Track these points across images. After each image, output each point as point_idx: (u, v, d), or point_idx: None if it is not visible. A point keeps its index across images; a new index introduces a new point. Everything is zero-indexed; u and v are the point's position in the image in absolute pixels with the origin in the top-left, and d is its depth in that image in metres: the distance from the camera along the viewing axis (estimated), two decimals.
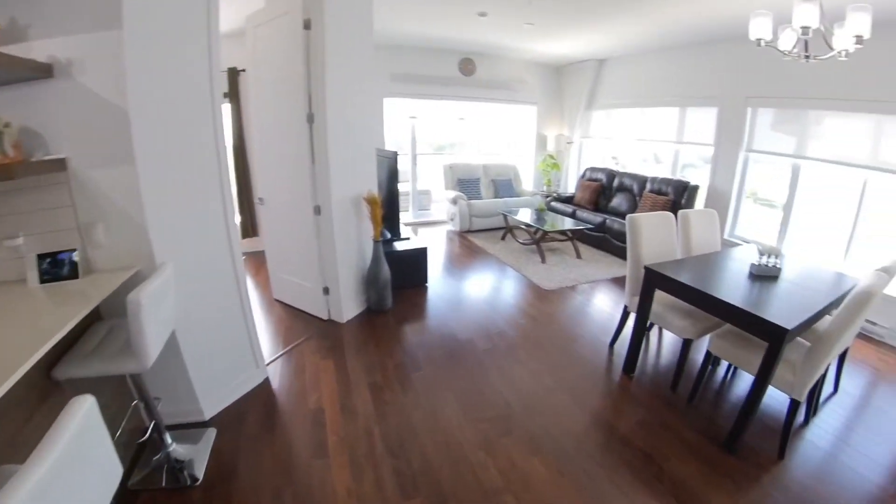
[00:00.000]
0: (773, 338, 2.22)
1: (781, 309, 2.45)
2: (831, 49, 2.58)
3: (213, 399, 2.50)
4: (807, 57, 2.72)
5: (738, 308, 2.39)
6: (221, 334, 2.54)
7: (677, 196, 5.69)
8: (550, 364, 3.16)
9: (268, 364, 2.97)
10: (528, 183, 8.04)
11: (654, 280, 2.87)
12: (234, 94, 4.95)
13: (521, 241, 5.94)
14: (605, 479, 2.16)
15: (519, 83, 7.55)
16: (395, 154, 4.22)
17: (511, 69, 7.45)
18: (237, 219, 4.91)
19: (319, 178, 3.31)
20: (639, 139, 7.01)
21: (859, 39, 2.34)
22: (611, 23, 5.10)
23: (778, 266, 3.00)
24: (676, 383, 2.93)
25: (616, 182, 6.69)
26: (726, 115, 5.48)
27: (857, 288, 2.19)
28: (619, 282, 4.92)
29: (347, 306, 3.65)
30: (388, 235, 4.47)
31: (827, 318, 2.68)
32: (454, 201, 6.57)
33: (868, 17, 2.30)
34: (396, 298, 4.04)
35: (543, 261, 5.31)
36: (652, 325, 3.52)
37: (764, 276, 2.93)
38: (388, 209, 4.34)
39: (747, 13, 3.44)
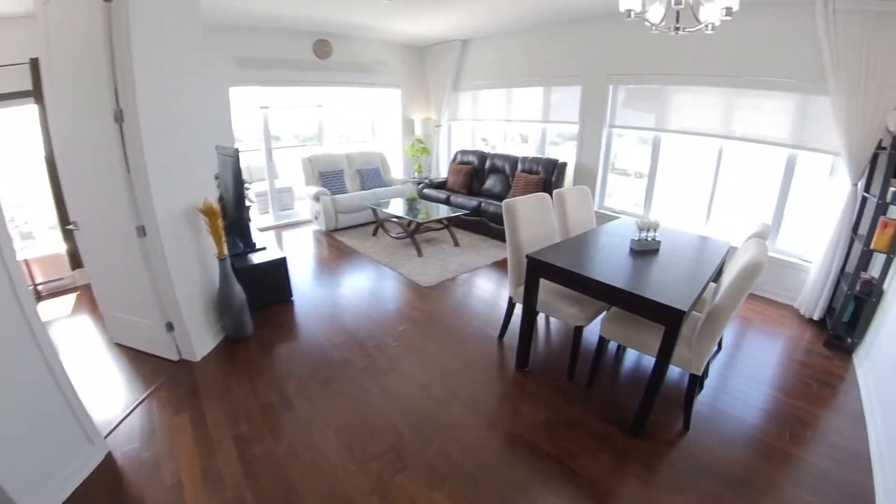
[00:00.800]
0: (670, 321, 2.26)
1: (672, 287, 2.54)
2: (698, 22, 2.67)
3: None
4: (676, 29, 2.75)
5: (632, 294, 2.39)
6: (29, 418, 1.94)
7: (548, 174, 5.89)
8: (439, 372, 3.01)
9: (107, 436, 2.39)
10: (397, 171, 7.82)
11: (537, 269, 2.81)
12: (39, 92, 3.88)
13: (393, 235, 5.74)
14: (520, 498, 2.07)
15: (380, 65, 7.24)
16: (237, 151, 3.69)
17: (371, 51, 7.12)
18: (63, 247, 4.03)
19: (139, 191, 2.71)
20: (507, 119, 7.13)
21: (728, 11, 2.43)
22: (472, 1, 5.02)
23: (658, 239, 3.15)
24: (573, 372, 2.96)
25: (488, 164, 6.75)
26: (589, 93, 5.79)
27: (746, 261, 2.27)
28: (500, 266, 4.99)
29: (200, 341, 3.14)
30: (242, 247, 3.99)
31: (712, 286, 2.88)
32: (316, 198, 6.13)
33: None
34: (258, 321, 3.60)
35: (420, 254, 5.17)
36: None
37: (645, 250, 3.06)
38: (236, 216, 3.86)
39: None
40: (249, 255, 3.93)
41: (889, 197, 3.40)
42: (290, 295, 4.03)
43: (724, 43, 4.49)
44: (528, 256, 2.81)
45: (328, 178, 6.47)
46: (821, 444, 2.54)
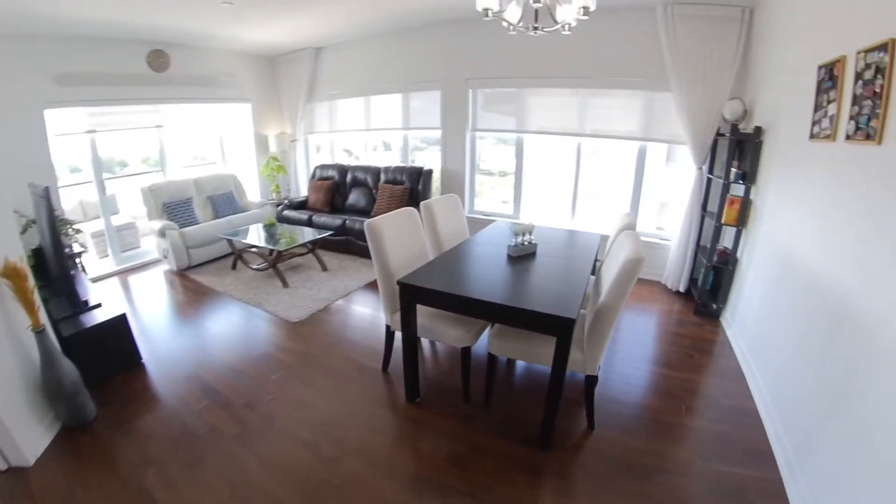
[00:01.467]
0: (560, 331, 2.30)
1: (555, 293, 2.63)
2: (555, 22, 2.82)
3: None
4: (535, 28, 2.87)
5: (516, 308, 2.41)
6: None
7: (413, 183, 5.98)
8: (323, 423, 2.85)
9: None
10: (253, 193, 7.40)
11: (412, 295, 2.71)
12: None
13: (254, 266, 5.42)
14: None
15: (227, 78, 6.78)
16: (47, 190, 3.17)
17: (216, 62, 6.64)
18: None
19: None
20: (367, 129, 7.08)
21: (586, 11, 2.56)
22: (323, 4, 4.88)
23: (534, 242, 3.30)
24: (468, 393, 2.99)
25: (350, 177, 6.67)
26: (449, 97, 6.01)
27: (625, 257, 2.34)
28: (374, 287, 4.93)
29: (28, 440, 2.60)
30: (73, 309, 3.50)
31: (591, 279, 3.08)
32: (162, 233, 5.58)
33: None
34: (102, 398, 3.11)
35: (285, 285, 4.95)
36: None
37: (522, 255, 3.20)
38: (57, 269, 3.39)
39: None
40: (80, 318, 3.39)
41: (732, 177, 4.09)
42: (139, 358, 3.56)
43: (576, 46, 5.00)
44: (399, 283, 2.69)
45: (175, 208, 5.91)
46: (714, 411, 2.95)
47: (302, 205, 6.82)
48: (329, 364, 3.54)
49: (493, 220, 5.65)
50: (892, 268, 1.89)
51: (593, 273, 3.38)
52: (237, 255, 5.51)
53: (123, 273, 5.82)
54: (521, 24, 2.88)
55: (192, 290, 5.14)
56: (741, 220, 4.13)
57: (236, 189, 6.78)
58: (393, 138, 7.18)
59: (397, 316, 3.01)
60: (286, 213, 6.58)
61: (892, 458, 1.67)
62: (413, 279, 2.74)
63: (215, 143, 7.29)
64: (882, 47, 2.12)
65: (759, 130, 3.90)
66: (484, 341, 3.02)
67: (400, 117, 6.66)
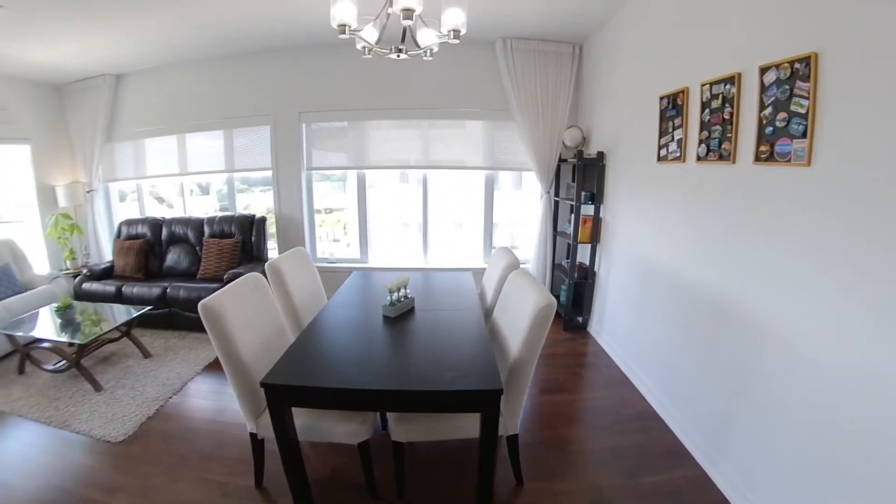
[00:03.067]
0: (488, 406, 2.10)
1: (464, 357, 2.46)
2: (418, 47, 2.72)
3: None
4: (399, 51, 2.73)
5: (426, 392, 2.13)
6: None
7: (245, 234, 5.48)
8: None
9: None
10: (41, 263, 6.16)
11: (283, 398, 2.22)
12: None
13: (50, 366, 4.39)
14: None
15: None
16: None
17: None
18: None
19: None
20: (183, 173, 6.29)
21: (456, 34, 2.46)
22: (125, 13, 4.20)
23: (410, 296, 3.12)
24: (374, 488, 2.68)
25: (165, 233, 5.88)
26: (281, 133, 5.64)
27: (535, 307, 2.28)
28: (217, 369, 4.28)
29: None
30: None
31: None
32: None
33: (462, 12, 2.43)
34: None
35: (98, 388, 4.10)
36: None
37: (401, 314, 2.99)
38: None
39: (302, 14, 4.05)
40: None
41: (582, 199, 4.71)
42: None
43: (419, 77, 5.20)
44: (264, 385, 2.16)
45: None
46: (620, 423, 3.22)
47: (107, 273, 5.80)
48: (181, 495, 2.91)
49: (340, 267, 5.47)
50: (748, 261, 2.47)
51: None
52: (24, 355, 4.46)
53: None
54: (379, 47, 2.73)
55: None
56: (594, 237, 4.78)
57: (14, 260, 5.55)
58: (211, 179, 6.55)
59: (265, 420, 2.54)
60: (86, 286, 5.54)
61: (800, 413, 2.11)
62: (279, 377, 2.22)
63: None
64: (729, 80, 2.62)
65: (601, 155, 4.52)
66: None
67: (222, 157, 6.04)
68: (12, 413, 3.93)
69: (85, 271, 5.72)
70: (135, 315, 4.60)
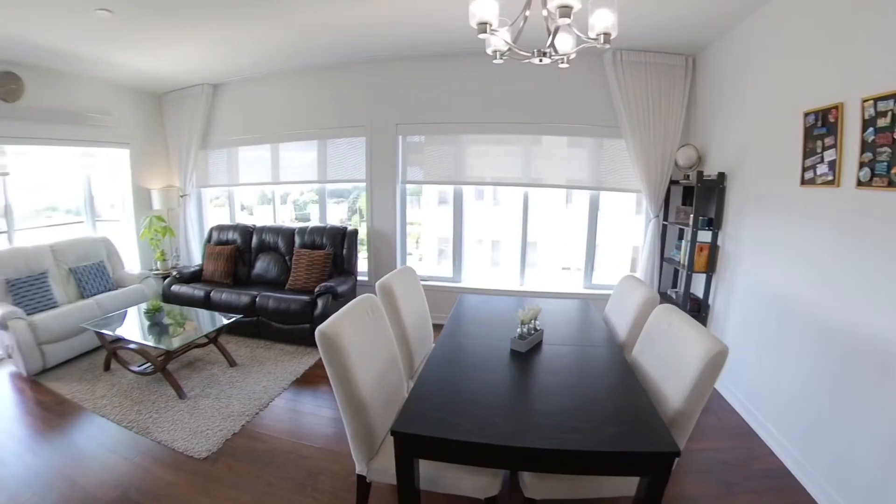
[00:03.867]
0: (657, 470, 1.73)
1: (615, 408, 2.07)
2: (555, 52, 2.40)
3: None
4: (544, 54, 2.41)
5: (585, 452, 1.74)
6: None
7: (336, 247, 5.24)
8: None
9: None
10: (133, 262, 6.18)
11: (414, 448, 1.88)
12: None
13: (136, 367, 4.23)
14: None
15: (100, 115, 5.62)
16: None
17: (85, 93, 5.52)
18: None
19: None
20: (274, 182, 6.20)
21: (606, 39, 2.13)
22: (230, 23, 4.13)
23: (539, 328, 2.72)
24: None
25: (255, 241, 5.73)
26: (376, 145, 5.40)
27: (706, 353, 1.92)
28: (308, 384, 4.11)
29: None
30: None
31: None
32: (3, 322, 4.29)
33: (612, 13, 2.09)
34: None
35: (182, 395, 3.88)
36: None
37: (532, 348, 2.59)
38: None
39: (405, 18, 3.84)
40: None
41: (699, 224, 4.19)
42: None
43: (523, 90, 4.96)
44: (395, 433, 1.82)
45: (23, 287, 4.59)
46: (752, 481, 2.85)
47: (196, 276, 5.71)
48: None
49: (433, 286, 5.13)
50: None
51: None
52: (110, 353, 4.33)
53: None
54: (518, 51, 2.39)
55: (46, 407, 3.84)
56: (710, 267, 4.23)
57: (109, 258, 5.55)
58: (289, 189, 6.58)
59: (378, 464, 2.15)
60: (175, 288, 5.45)
61: None
62: (411, 424, 1.88)
63: (81, 198, 5.96)
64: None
65: (722, 176, 4.05)
66: None
67: (315, 168, 5.88)
68: (95, 411, 3.75)
69: (174, 273, 5.64)
70: (224, 323, 4.38)
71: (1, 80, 4.72)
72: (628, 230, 5.41)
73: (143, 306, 4.45)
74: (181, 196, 6.44)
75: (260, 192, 6.75)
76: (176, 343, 3.92)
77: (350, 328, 2.14)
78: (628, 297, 3.08)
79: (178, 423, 3.53)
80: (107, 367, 4.41)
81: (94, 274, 5.21)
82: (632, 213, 5.24)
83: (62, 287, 5.01)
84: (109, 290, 5.26)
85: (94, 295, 5.10)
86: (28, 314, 4.48)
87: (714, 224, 4.14)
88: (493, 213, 5.64)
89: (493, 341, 2.77)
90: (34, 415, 3.78)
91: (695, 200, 4.15)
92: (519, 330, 2.61)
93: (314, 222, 6.79)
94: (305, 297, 4.71)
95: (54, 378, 4.33)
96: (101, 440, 3.40)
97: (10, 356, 4.48)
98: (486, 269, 5.67)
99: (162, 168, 6.55)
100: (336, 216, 6.36)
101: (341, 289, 4.89)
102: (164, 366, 3.92)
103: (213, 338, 4.42)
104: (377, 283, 2.97)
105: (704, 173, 4.22)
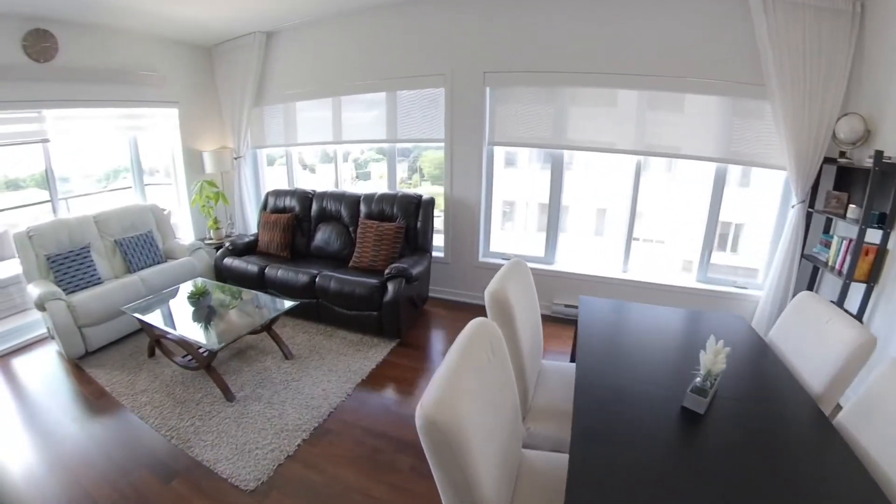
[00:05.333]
0: None
1: None
2: None
3: None
4: None
5: None
6: None
7: (409, 218, 4.43)
8: None
9: None
10: (186, 231, 5.65)
11: None
12: None
13: (180, 359, 3.64)
14: None
15: (144, 73, 5.00)
16: None
17: (128, 49, 4.89)
18: None
19: None
20: (336, 142, 5.41)
21: None
22: None
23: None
24: None
25: (316, 208, 5.00)
26: (459, 98, 4.44)
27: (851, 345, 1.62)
28: (377, 386, 3.41)
29: None
30: None
31: None
32: (41, 304, 3.80)
33: None
34: None
35: (230, 398, 3.25)
36: None
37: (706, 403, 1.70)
38: None
39: None
40: None
41: (870, 220, 3.03)
42: None
43: (640, 37, 3.75)
44: None
45: (64, 264, 4.11)
46: None
47: (250, 248, 5.08)
48: None
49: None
50: None
51: None
52: (153, 340, 3.77)
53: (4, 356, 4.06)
54: None
55: (84, 398, 3.39)
56: (873, 276, 3.12)
57: (158, 226, 5.01)
58: (350, 147, 5.76)
59: None
60: (227, 261, 4.83)
61: None
62: None
63: (128, 163, 5.38)
64: None
65: None
66: None
67: (384, 124, 5.02)
68: (134, 410, 3.23)
69: (227, 244, 5.03)
70: (280, 312, 3.71)
71: (32, 39, 4.12)
72: (758, 215, 4.29)
73: (189, 288, 3.81)
74: (235, 158, 5.81)
75: (321, 149, 6.01)
76: (222, 339, 3.25)
77: (467, 401, 1.31)
78: (819, 332, 2.02)
79: (223, 436, 2.90)
80: (151, 354, 3.89)
81: (141, 245, 4.68)
82: (765, 194, 4.11)
83: (108, 261, 4.52)
84: (158, 262, 4.73)
85: (142, 269, 4.58)
86: (70, 292, 4.02)
87: (888, 221, 2.98)
88: (591, 185, 4.65)
89: (648, 386, 1.92)
90: (68, 413, 3.29)
91: (869, 188, 2.92)
92: (699, 380, 1.71)
93: (374, 181, 6.02)
94: (373, 281, 3.97)
95: (96, 363, 3.86)
96: (136, 451, 2.86)
97: (53, 337, 4.03)
98: (582, 250, 4.72)
99: (214, 128, 5.92)
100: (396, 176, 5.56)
101: (415, 270, 4.10)
102: (209, 363, 3.29)
103: (268, 325, 3.76)
104: (487, 293, 2.07)
105: (885, 154, 3.00)
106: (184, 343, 3.38)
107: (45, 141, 4.46)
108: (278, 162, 6.21)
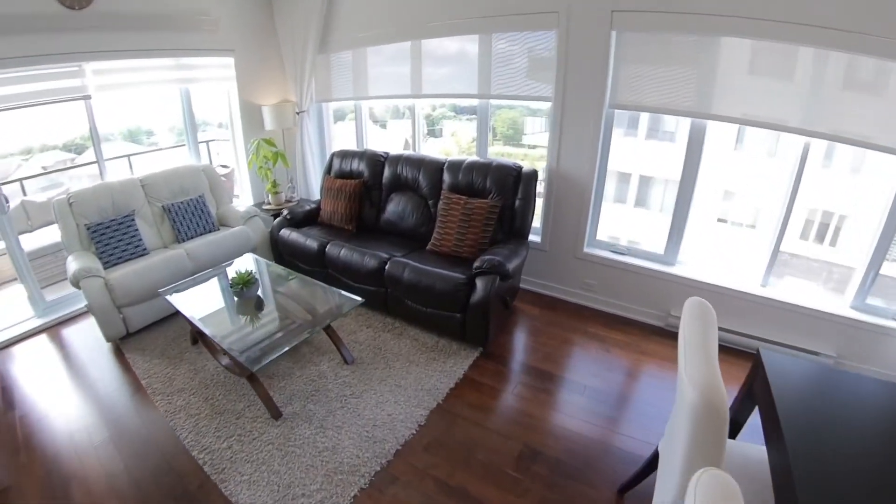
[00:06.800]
0: None
1: None
2: None
3: None
4: None
5: None
6: None
7: (505, 194, 3.54)
8: None
9: None
10: (244, 194, 5.10)
11: None
12: None
13: (221, 359, 3.05)
14: None
15: (195, 18, 4.36)
16: None
17: None
18: None
19: None
20: (415, 96, 4.53)
21: None
22: None
23: None
24: None
25: (388, 174, 4.25)
26: (574, 44, 3.37)
27: None
28: (458, 417, 2.64)
29: None
30: None
31: None
32: (76, 280, 3.34)
33: None
34: None
35: (276, 415, 2.64)
36: None
37: None
38: None
39: None
40: None
41: None
42: None
43: None
44: None
45: (106, 233, 3.65)
46: None
47: (311, 217, 4.43)
48: None
49: (631, 264, 3.43)
50: None
51: None
52: (196, 331, 3.23)
53: (49, 330, 3.83)
54: None
55: (116, 394, 2.95)
56: None
57: (211, 190, 4.47)
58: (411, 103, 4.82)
59: None
60: (285, 233, 4.21)
61: None
62: None
63: (179, 119, 4.78)
64: None
65: None
66: None
67: (475, 77, 4.03)
68: (167, 416, 2.74)
69: (286, 213, 4.42)
70: (342, 312, 3.04)
71: None
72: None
73: (233, 275, 3.17)
74: (297, 113, 5.13)
75: (391, 103, 5.23)
76: (264, 353, 2.59)
77: None
78: None
79: (263, 470, 2.31)
80: (194, 342, 3.39)
81: (191, 211, 4.16)
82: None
83: (155, 229, 4.05)
84: (210, 230, 4.21)
85: (192, 238, 4.09)
86: (113, 265, 3.59)
87: None
88: (727, 168, 3.60)
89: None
90: (100, 410, 2.85)
91: None
92: None
93: (446, 140, 5.15)
94: (458, 275, 3.16)
95: (137, 346, 3.46)
96: (161, 474, 2.36)
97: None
98: (707, 246, 3.73)
99: (274, 79, 5.24)
100: (466, 135, 4.80)
101: (512, 264, 3.21)
102: (252, 374, 2.67)
103: (325, 325, 3.10)
104: (698, 393, 1.15)
105: None
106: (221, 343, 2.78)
107: (87, 97, 3.94)
108: (349, 117, 5.48)
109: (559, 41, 3.38)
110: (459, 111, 5.12)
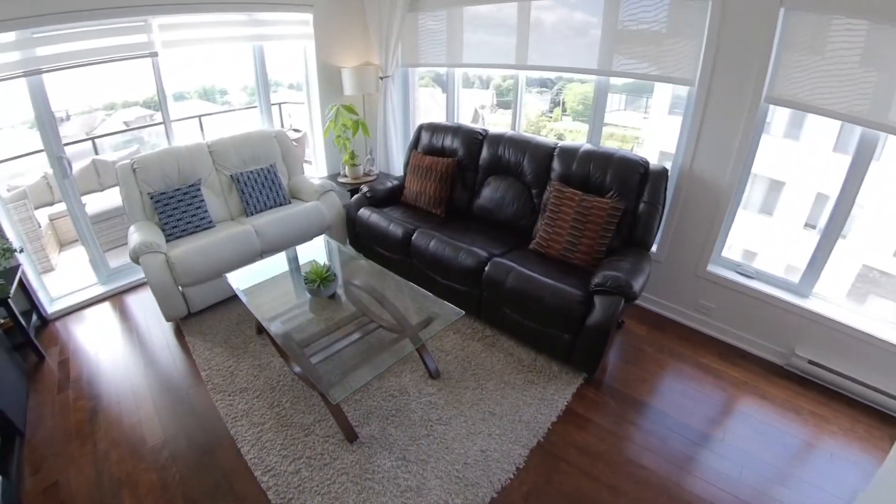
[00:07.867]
0: None
1: None
2: None
3: None
4: None
5: None
6: None
7: (628, 193, 2.93)
8: None
9: None
10: (317, 164, 4.74)
11: None
12: None
13: (298, 370, 2.66)
14: None
15: None
16: None
17: None
18: None
19: None
20: (518, 66, 3.91)
21: None
22: None
23: None
24: None
25: (486, 154, 3.73)
26: (728, 19, 2.69)
27: None
28: (564, 463, 2.11)
29: None
30: None
31: None
32: (136, 255, 3.06)
33: None
34: None
35: (352, 438, 2.26)
36: None
37: None
38: None
39: None
40: None
41: None
42: None
43: None
44: None
45: (170, 204, 3.37)
46: None
47: (393, 196, 4.01)
48: None
49: (756, 289, 2.79)
50: None
51: None
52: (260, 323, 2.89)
53: (114, 296, 3.76)
54: None
55: (174, 386, 2.69)
56: None
57: (284, 158, 4.13)
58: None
59: None
60: (363, 214, 3.81)
61: None
62: None
63: (248, 79, 4.47)
64: None
65: None
66: None
67: (595, 45, 3.34)
68: (227, 421, 2.48)
69: (365, 189, 4.00)
70: (439, 328, 2.56)
71: None
72: None
73: (307, 268, 2.76)
74: (381, 78, 4.67)
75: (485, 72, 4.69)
76: (349, 382, 2.14)
77: None
78: None
79: None
80: (259, 331, 3.07)
81: (262, 182, 3.83)
82: None
83: (223, 199, 3.77)
84: (281, 203, 3.89)
85: (261, 211, 3.78)
86: (177, 237, 3.34)
87: None
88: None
89: None
90: (153, 405, 2.57)
91: None
92: None
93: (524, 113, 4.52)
94: (574, 291, 2.61)
95: (198, 328, 3.23)
96: (218, 498, 2.01)
97: None
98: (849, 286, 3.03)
99: (356, 39, 4.79)
100: (535, 108, 4.28)
101: (638, 283, 2.59)
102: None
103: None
104: None
105: None
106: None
107: (154, 55, 3.62)
108: (421, 83, 4.98)
109: (712, 14, 2.70)
110: (529, 83, 4.42)
